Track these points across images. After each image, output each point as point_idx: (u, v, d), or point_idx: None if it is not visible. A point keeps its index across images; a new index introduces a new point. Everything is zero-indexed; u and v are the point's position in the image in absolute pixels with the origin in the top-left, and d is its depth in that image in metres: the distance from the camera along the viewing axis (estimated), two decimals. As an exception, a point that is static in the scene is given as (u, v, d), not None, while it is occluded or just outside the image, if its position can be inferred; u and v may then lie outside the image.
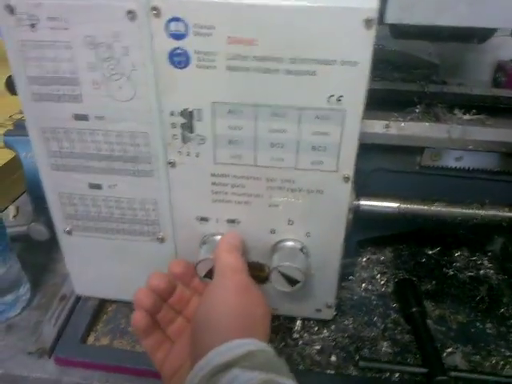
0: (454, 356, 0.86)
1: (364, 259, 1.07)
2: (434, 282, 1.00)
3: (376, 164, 0.91)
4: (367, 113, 0.88)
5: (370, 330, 0.90)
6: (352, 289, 1.00)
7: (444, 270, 1.02)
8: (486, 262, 1.06)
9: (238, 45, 0.60)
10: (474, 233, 1.08)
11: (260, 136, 0.66)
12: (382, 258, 1.07)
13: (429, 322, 0.92)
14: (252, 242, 0.75)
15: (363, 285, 1.01)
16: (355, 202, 0.85)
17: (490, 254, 1.08)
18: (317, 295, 0.82)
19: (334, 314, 0.88)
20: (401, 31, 0.78)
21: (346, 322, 0.92)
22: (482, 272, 1.04)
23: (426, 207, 0.86)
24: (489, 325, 0.92)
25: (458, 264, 1.03)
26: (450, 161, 0.86)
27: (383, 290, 0.99)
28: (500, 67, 1.01)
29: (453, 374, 0.79)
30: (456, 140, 0.82)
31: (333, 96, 0.62)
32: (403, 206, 0.86)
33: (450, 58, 1.29)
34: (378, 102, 0.95)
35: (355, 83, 0.62)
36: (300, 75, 0.61)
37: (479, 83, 1.11)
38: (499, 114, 0.88)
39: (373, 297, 0.98)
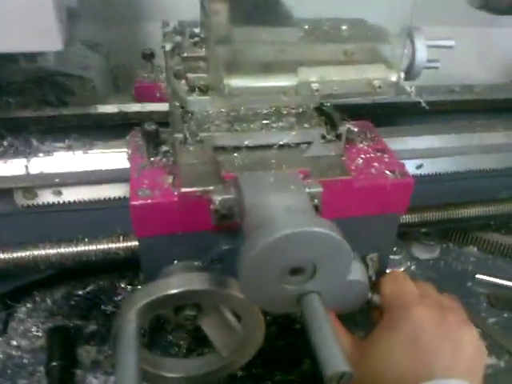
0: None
1: (22, 311, 0.92)
2: (94, 323, 0.90)
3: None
4: None
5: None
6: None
7: (103, 307, 0.92)
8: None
9: None
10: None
11: None
12: (42, 306, 0.93)
13: (79, 372, 0.82)
14: None
15: (14, 342, 0.86)
16: None
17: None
18: None
19: None
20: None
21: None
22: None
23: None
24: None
25: (118, 298, 0.94)
26: (48, 196, 0.75)
27: (38, 343, 0.86)
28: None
29: None
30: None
31: None
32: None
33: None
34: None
35: None
36: None
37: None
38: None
39: (24, 354, 0.85)
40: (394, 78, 0.60)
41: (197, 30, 0.75)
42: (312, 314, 0.50)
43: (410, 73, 0.72)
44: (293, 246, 0.47)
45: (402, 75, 0.61)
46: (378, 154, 0.72)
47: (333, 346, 0.47)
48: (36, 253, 0.74)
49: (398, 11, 0.61)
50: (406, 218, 0.85)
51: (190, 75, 0.66)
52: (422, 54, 0.71)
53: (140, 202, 0.60)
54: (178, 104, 0.68)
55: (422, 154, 0.82)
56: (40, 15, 0.50)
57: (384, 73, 0.60)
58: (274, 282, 0.50)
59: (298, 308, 0.53)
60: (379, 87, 0.60)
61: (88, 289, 0.94)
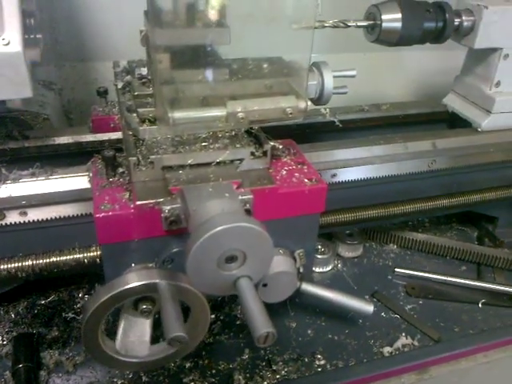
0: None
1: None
2: (56, 329, 0.99)
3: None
4: None
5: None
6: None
7: (64, 314, 1.01)
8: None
9: None
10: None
11: None
12: (6, 317, 1.01)
13: (43, 373, 0.91)
14: None
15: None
16: None
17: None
18: None
19: None
20: None
21: None
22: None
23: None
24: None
25: (78, 305, 1.03)
26: (15, 216, 0.85)
27: (4, 350, 0.94)
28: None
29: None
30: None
31: None
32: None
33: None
34: None
35: None
36: None
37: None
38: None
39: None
40: (302, 106, 0.76)
41: (143, 70, 0.90)
42: (244, 292, 0.64)
43: (321, 99, 0.89)
44: (226, 238, 0.61)
45: (309, 103, 0.77)
46: (299, 166, 0.88)
47: (260, 315, 0.61)
48: (4, 266, 0.84)
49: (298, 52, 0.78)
50: (326, 220, 1.01)
51: (140, 110, 0.80)
52: (329, 84, 0.88)
53: (102, 214, 0.73)
54: (131, 133, 0.82)
55: (336, 165, 0.98)
56: (15, 71, 0.62)
57: (294, 102, 0.76)
58: (214, 269, 0.63)
59: (234, 291, 0.67)
60: (291, 113, 0.76)
61: (49, 299, 1.03)
